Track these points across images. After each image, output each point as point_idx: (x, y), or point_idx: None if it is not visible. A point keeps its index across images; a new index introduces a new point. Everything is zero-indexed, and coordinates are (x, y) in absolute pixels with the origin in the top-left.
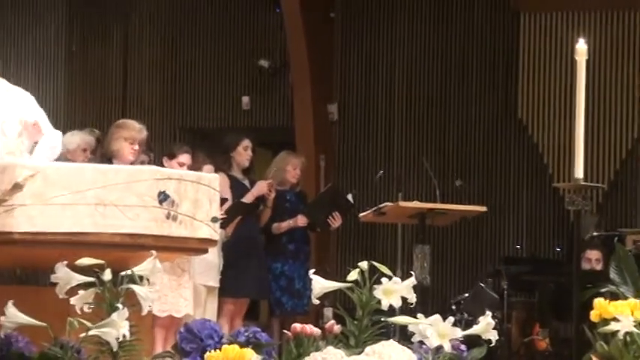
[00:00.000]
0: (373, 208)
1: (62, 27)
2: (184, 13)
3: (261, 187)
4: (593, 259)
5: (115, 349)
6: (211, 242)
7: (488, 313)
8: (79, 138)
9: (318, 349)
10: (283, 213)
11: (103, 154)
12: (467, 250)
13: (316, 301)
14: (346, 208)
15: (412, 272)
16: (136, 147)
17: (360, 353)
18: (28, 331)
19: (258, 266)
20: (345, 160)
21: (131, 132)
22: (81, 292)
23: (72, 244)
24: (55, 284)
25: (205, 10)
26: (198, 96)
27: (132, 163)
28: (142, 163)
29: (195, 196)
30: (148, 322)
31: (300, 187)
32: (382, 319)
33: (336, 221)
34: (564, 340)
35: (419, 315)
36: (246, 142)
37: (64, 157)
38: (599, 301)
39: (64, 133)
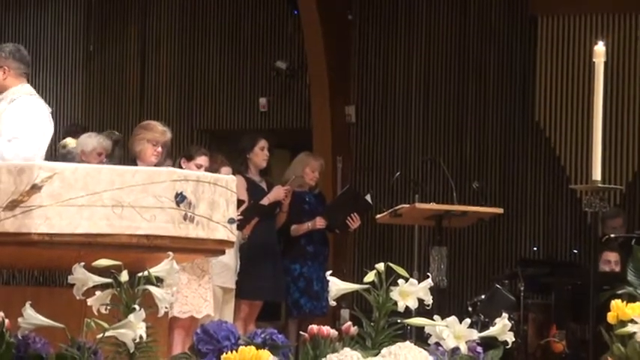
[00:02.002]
0: (390, 210)
1: (80, 28)
2: (202, 14)
3: (278, 193)
4: (612, 260)
5: (131, 351)
6: (228, 244)
7: (505, 315)
8: (95, 141)
9: (334, 351)
10: (302, 214)
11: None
12: (483, 251)
13: (333, 303)
14: (365, 209)
15: (429, 274)
16: (159, 149)
17: (376, 355)
18: (46, 332)
19: (274, 269)
20: (362, 162)
21: (154, 134)
22: (98, 293)
23: (89, 246)
24: (72, 285)
25: (223, 12)
26: (216, 97)
27: (155, 165)
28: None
29: (212, 198)
30: (164, 323)
31: (319, 188)
32: (399, 321)
33: (354, 222)
34: (581, 342)
35: (435, 317)
36: (263, 143)
37: (80, 157)
38: (616, 303)
39: (82, 133)
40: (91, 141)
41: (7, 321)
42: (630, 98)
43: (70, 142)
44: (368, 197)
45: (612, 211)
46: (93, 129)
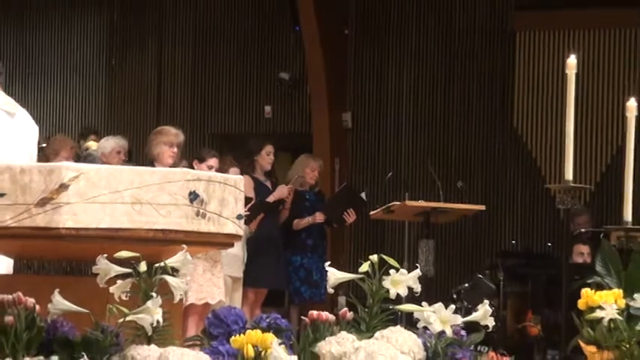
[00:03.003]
0: (382, 207)
1: (103, 45)
2: (213, 30)
3: (282, 192)
4: (584, 253)
5: (149, 334)
6: (236, 237)
7: (486, 302)
8: (113, 142)
9: (332, 334)
10: (303, 211)
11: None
12: (467, 244)
13: (331, 291)
14: (360, 205)
15: (417, 265)
16: (175, 149)
17: (370, 337)
18: (72, 317)
19: (277, 259)
20: (357, 164)
21: (169, 137)
22: (119, 281)
23: (111, 239)
24: (96, 275)
25: (232, 28)
26: (225, 105)
27: (172, 166)
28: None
29: (222, 196)
30: (179, 309)
31: (318, 187)
32: (390, 307)
33: (350, 217)
34: (554, 327)
35: (423, 303)
36: (269, 148)
37: (101, 160)
38: (585, 291)
39: (93, 135)
40: (109, 143)
41: (37, 307)
42: (599, 106)
43: (91, 144)
44: (363, 195)
45: (579, 209)
46: (114, 134)
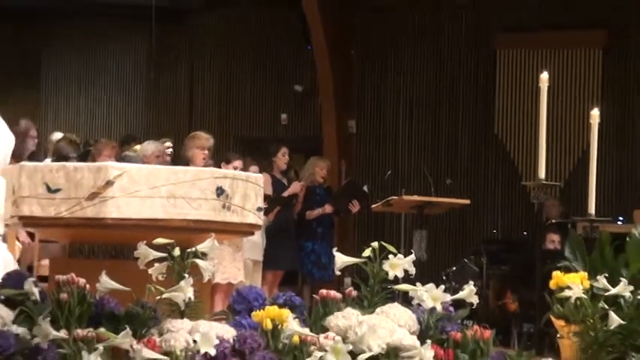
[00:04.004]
0: (382, 201)
1: (143, 61)
2: (237, 49)
3: (295, 188)
4: (555, 240)
5: (182, 309)
6: (257, 227)
7: (471, 283)
8: (153, 146)
9: (339, 310)
10: (314, 203)
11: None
12: (455, 233)
13: (338, 272)
14: (363, 197)
15: (412, 251)
16: (206, 152)
17: (372, 313)
18: (117, 295)
19: (292, 245)
20: (361, 164)
21: (201, 141)
22: (157, 264)
23: (150, 228)
24: (137, 258)
25: (254, 47)
26: (248, 113)
27: (203, 166)
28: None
29: (244, 191)
30: (207, 288)
31: (327, 183)
32: (389, 287)
33: (355, 207)
34: (529, 304)
35: (417, 283)
36: (285, 150)
37: (142, 160)
38: (556, 273)
39: (133, 141)
40: (150, 147)
41: (87, 286)
42: (568, 115)
43: (136, 148)
44: (365, 188)
45: (550, 202)
46: (152, 138)
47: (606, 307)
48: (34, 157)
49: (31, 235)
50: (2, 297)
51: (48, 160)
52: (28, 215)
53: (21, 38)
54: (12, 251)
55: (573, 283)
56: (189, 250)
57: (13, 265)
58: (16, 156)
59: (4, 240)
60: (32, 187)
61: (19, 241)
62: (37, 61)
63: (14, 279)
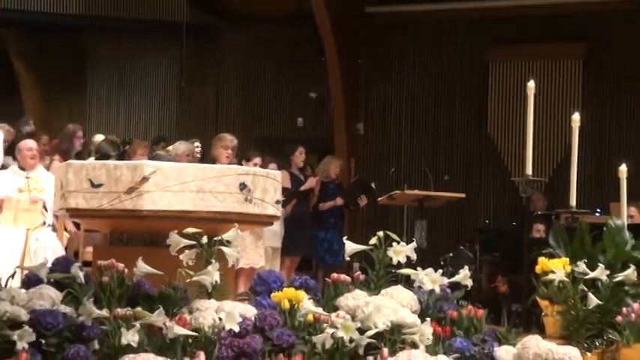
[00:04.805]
0: (387, 195)
1: (175, 70)
2: (259, 61)
3: (311, 183)
4: (541, 230)
5: (209, 291)
6: (275, 217)
7: (466, 267)
8: (184, 146)
9: (349, 291)
10: (327, 197)
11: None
12: (451, 223)
13: (348, 258)
14: (370, 192)
15: (414, 239)
16: (230, 151)
17: (377, 294)
18: (152, 278)
19: (307, 234)
20: (368, 162)
21: (226, 142)
22: (187, 251)
23: (181, 219)
24: (169, 246)
25: (274, 59)
26: (267, 117)
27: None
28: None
29: (264, 186)
30: (232, 272)
31: (338, 179)
32: (393, 271)
33: (363, 201)
34: (518, 286)
35: (418, 268)
36: (301, 149)
37: (174, 159)
38: (541, 259)
39: (163, 142)
40: (181, 147)
41: (126, 270)
42: (552, 118)
43: (168, 148)
44: (372, 185)
45: (536, 196)
46: (183, 139)
47: (585, 289)
48: (79, 155)
49: (77, 225)
50: (52, 280)
51: (91, 159)
52: (74, 207)
53: (69, 52)
54: (60, 239)
55: (556, 268)
56: (215, 238)
57: (61, 252)
58: (65, 154)
59: (54, 229)
60: (78, 183)
61: (66, 230)
62: (83, 72)
63: (62, 264)
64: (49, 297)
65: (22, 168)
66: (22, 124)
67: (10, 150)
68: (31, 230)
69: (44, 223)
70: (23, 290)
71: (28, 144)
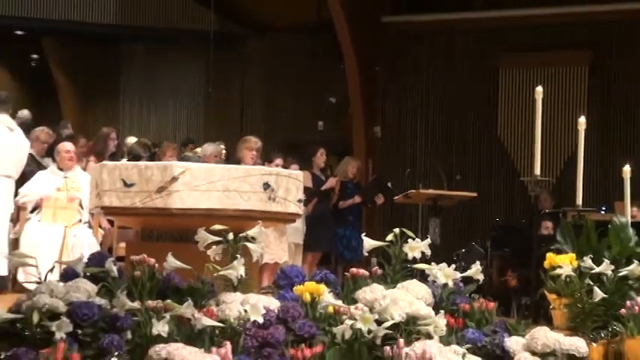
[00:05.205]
0: (403, 194)
1: (202, 76)
2: (282, 67)
3: (331, 183)
4: (549, 227)
5: (235, 284)
6: (297, 215)
7: (478, 262)
8: (212, 148)
9: (367, 285)
10: (346, 195)
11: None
12: (464, 221)
13: (366, 254)
14: (387, 191)
15: (428, 236)
16: (254, 153)
17: (394, 287)
18: (181, 272)
19: (328, 231)
20: (385, 163)
21: (250, 144)
22: (214, 247)
23: (208, 216)
24: (197, 242)
25: (295, 66)
26: (290, 120)
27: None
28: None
29: (287, 186)
30: (256, 266)
31: (357, 179)
32: (408, 266)
33: (380, 199)
34: (527, 280)
35: (432, 263)
36: (322, 150)
37: (202, 160)
38: (549, 255)
39: (191, 144)
40: (209, 148)
41: (157, 265)
42: (559, 122)
43: (197, 150)
44: (389, 184)
45: (544, 195)
46: (210, 142)
47: (591, 283)
48: (113, 157)
49: (111, 222)
50: (88, 274)
51: (124, 160)
52: (108, 206)
53: (104, 60)
54: (95, 236)
55: (564, 263)
56: (240, 235)
57: (96, 248)
58: (99, 156)
59: (90, 226)
60: (111, 182)
61: (101, 227)
62: (117, 79)
63: (97, 259)
64: (85, 290)
65: (60, 168)
66: (62, 128)
67: (50, 152)
68: (69, 227)
69: (81, 221)
70: (61, 283)
71: (66, 146)
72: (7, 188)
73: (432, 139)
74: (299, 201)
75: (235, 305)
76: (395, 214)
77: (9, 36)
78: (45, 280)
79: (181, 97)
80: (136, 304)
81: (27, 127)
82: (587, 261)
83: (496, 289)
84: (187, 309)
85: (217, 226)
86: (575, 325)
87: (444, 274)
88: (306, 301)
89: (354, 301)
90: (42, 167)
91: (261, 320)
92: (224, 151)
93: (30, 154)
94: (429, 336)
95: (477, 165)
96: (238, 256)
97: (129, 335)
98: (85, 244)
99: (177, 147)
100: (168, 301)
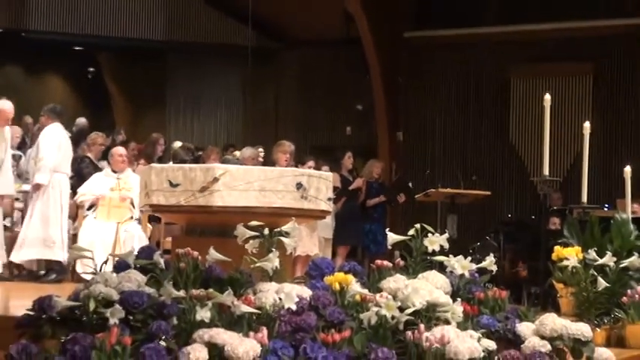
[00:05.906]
0: (423, 193)
1: (240, 86)
2: (312, 78)
3: (358, 183)
4: (556, 223)
5: (270, 275)
6: (327, 212)
7: (491, 255)
8: (250, 151)
9: (390, 275)
10: (371, 194)
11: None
12: (478, 217)
13: (390, 247)
14: (408, 191)
15: (446, 230)
16: (288, 156)
17: (415, 278)
18: (222, 264)
19: (355, 226)
20: (407, 165)
21: (284, 147)
22: (251, 241)
23: (246, 214)
24: (236, 237)
25: (325, 77)
26: (320, 126)
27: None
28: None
29: (318, 185)
30: (290, 259)
31: (381, 179)
32: (428, 258)
33: (402, 198)
34: (536, 271)
35: (450, 256)
36: (350, 154)
37: (241, 162)
38: (557, 248)
39: (231, 148)
40: (248, 152)
41: (200, 257)
42: (566, 127)
43: (236, 153)
44: (410, 184)
45: (552, 193)
46: (248, 146)
47: (595, 273)
48: (161, 160)
49: (158, 219)
50: (138, 265)
51: (170, 162)
52: (156, 204)
53: (151, 72)
54: (144, 231)
55: (570, 256)
56: (275, 230)
57: (145, 242)
58: (149, 158)
59: (140, 222)
60: (159, 183)
61: (149, 223)
62: (163, 89)
63: (146, 252)
64: (135, 280)
65: (114, 170)
66: (116, 134)
67: (105, 155)
68: (121, 223)
69: (132, 218)
70: (114, 274)
71: (119, 150)
72: (67, 185)
73: (450, 143)
74: (329, 199)
75: (271, 294)
76: (416, 211)
77: (68, 51)
78: (100, 271)
79: (221, 106)
80: (181, 293)
81: (84, 134)
82: (592, 253)
83: (508, 279)
84: (227, 297)
85: (254, 223)
86: (580, 312)
87: (461, 265)
88: (336, 290)
89: (379, 290)
90: (98, 169)
91: (294, 307)
92: (262, 154)
93: (88, 158)
94: (447, 322)
95: (490, 166)
96: (273, 249)
97: (175, 321)
98: (136, 238)
99: (220, 151)
100: (211, 290)
